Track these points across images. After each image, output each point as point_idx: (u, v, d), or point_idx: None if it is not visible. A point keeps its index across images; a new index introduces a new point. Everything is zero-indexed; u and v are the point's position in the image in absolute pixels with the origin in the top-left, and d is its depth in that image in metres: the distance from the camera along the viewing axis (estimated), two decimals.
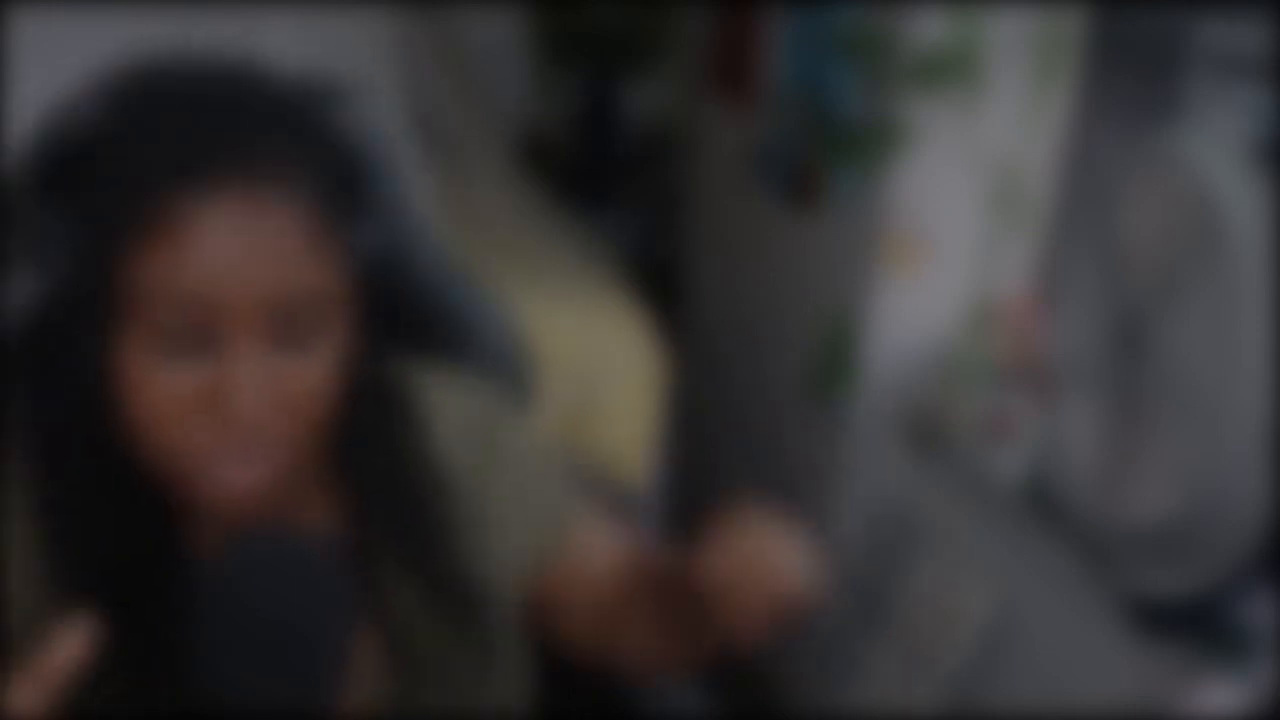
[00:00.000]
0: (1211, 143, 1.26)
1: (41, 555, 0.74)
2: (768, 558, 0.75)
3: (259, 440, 0.69)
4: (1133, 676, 1.28)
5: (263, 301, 0.67)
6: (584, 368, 1.74)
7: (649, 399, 1.80)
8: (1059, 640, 1.41)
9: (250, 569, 0.67)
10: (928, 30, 1.64)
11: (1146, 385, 1.27)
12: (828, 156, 1.88)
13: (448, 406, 0.86)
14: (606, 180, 2.83)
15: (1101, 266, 1.35)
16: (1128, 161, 1.32)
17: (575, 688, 0.96)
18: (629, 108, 2.82)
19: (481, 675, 0.85)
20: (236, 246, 0.66)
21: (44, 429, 0.73)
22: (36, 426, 0.73)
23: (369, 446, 0.81)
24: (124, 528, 0.73)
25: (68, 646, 0.63)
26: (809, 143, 1.94)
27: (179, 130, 0.67)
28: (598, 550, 0.90)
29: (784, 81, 2.03)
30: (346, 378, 0.74)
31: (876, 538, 1.79)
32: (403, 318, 0.96)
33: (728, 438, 2.31)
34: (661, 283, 2.30)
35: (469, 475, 0.85)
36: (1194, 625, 1.22)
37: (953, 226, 1.74)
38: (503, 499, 0.86)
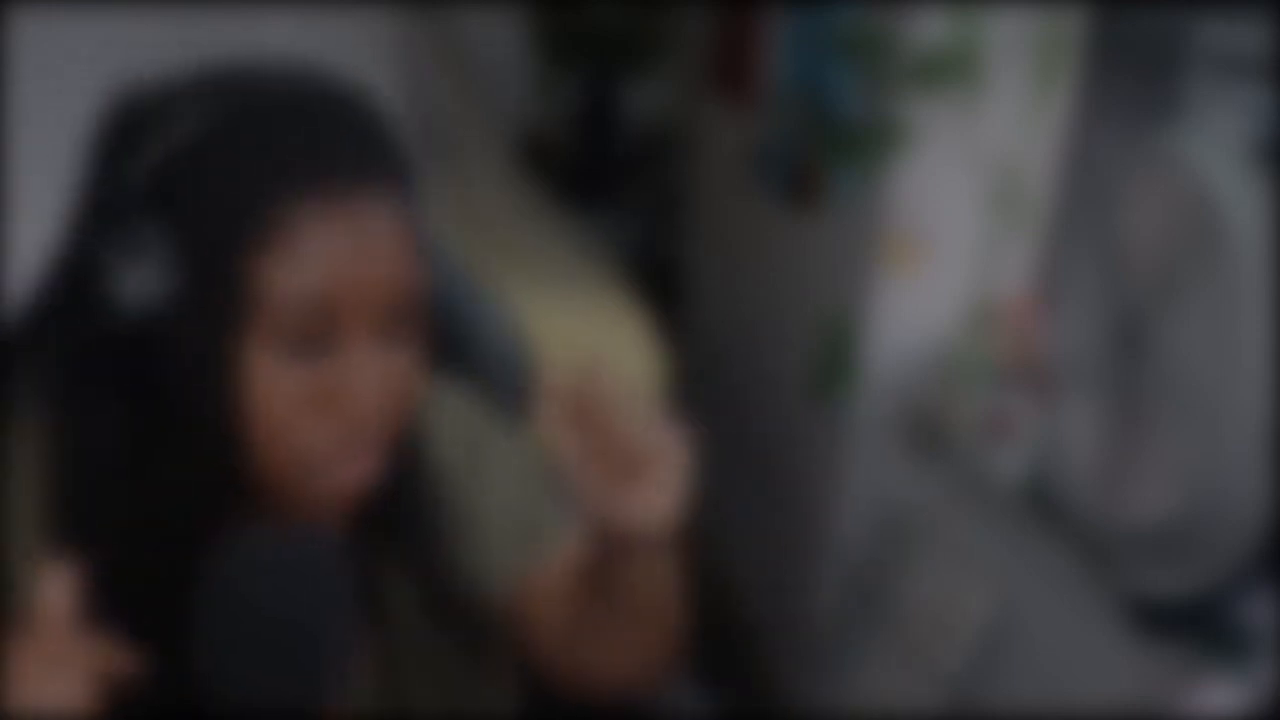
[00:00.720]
0: (1211, 143, 1.26)
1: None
2: (613, 425, 0.68)
3: (368, 433, 0.72)
4: (1133, 676, 1.28)
5: (375, 301, 0.70)
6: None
7: (649, 398, 1.79)
8: (1059, 640, 1.41)
9: (252, 567, 0.67)
10: (928, 30, 1.64)
11: (1146, 385, 1.27)
12: (828, 156, 1.88)
13: (443, 416, 0.87)
14: (606, 180, 2.83)
15: (1101, 266, 1.35)
16: (1128, 161, 1.32)
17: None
18: (629, 108, 2.82)
19: (475, 677, 0.85)
20: (351, 250, 0.69)
21: (144, 426, 0.73)
22: (135, 423, 0.73)
23: None
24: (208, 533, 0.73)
25: (58, 592, 0.64)
26: (809, 143, 1.94)
27: (287, 140, 0.69)
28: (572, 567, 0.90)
29: (784, 81, 2.03)
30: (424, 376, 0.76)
31: (876, 538, 1.79)
32: None
33: (728, 438, 2.31)
34: (661, 283, 2.30)
35: (461, 483, 0.85)
36: (1194, 625, 1.22)
37: (953, 226, 1.74)
38: (489, 510, 0.86)
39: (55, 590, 0.65)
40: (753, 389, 2.21)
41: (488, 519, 0.86)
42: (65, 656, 0.64)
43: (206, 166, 0.69)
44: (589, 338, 1.75)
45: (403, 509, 0.82)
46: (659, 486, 0.69)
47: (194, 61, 0.74)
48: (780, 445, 2.09)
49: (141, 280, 0.69)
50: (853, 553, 1.85)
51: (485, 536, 0.85)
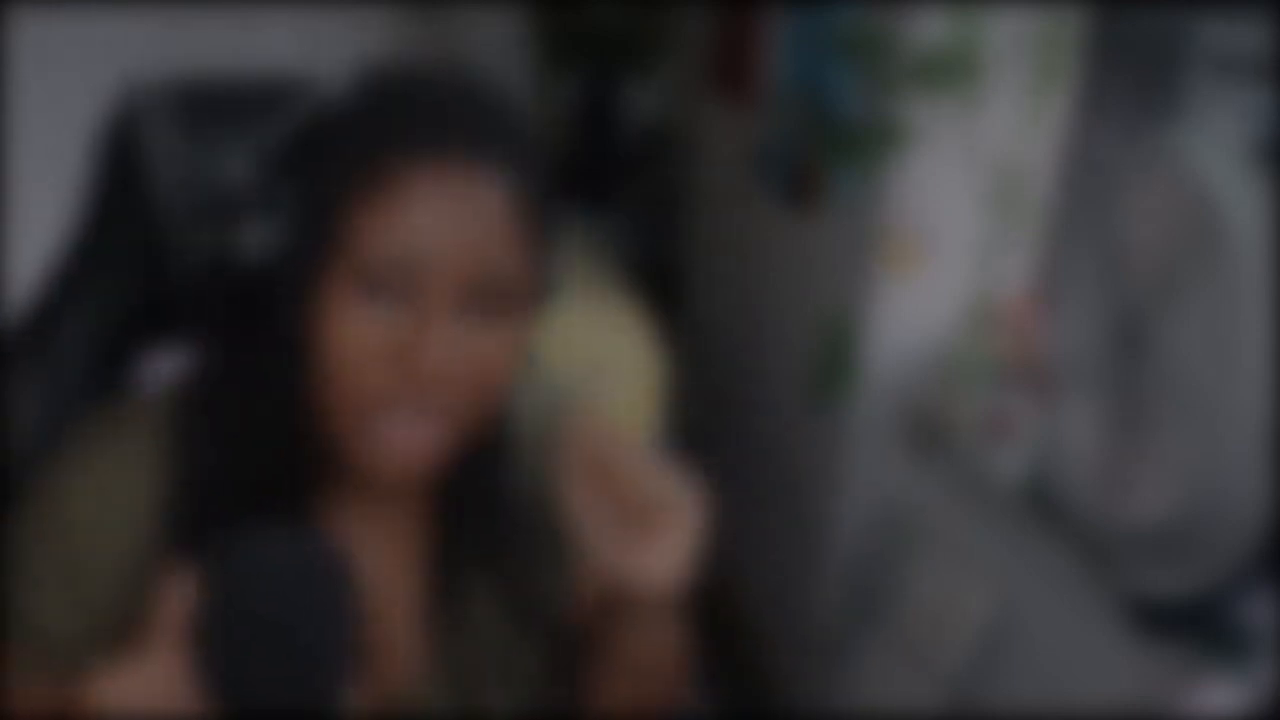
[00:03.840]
0: (1211, 143, 1.26)
1: (163, 507, 0.76)
2: (629, 481, 0.70)
3: (436, 397, 0.73)
4: (1133, 676, 1.28)
5: (463, 269, 0.72)
6: (584, 368, 1.74)
7: (649, 399, 1.80)
8: (1059, 640, 1.41)
9: (256, 571, 0.67)
10: (928, 30, 1.64)
11: (1146, 385, 1.27)
12: (828, 156, 1.88)
13: (535, 430, 0.88)
14: (606, 180, 2.83)
15: (1101, 266, 1.35)
16: (1128, 161, 1.32)
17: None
18: (629, 108, 2.82)
19: (541, 683, 0.85)
20: (447, 212, 0.71)
21: (237, 363, 0.78)
22: (230, 360, 0.78)
23: (480, 469, 0.83)
24: (266, 484, 0.76)
25: (179, 600, 0.66)
26: (809, 143, 1.94)
27: (407, 108, 0.74)
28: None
29: (784, 81, 2.03)
30: (515, 375, 0.78)
31: (876, 538, 1.79)
32: None
33: (728, 438, 2.32)
34: (661, 283, 2.30)
35: (544, 497, 0.86)
36: (1194, 625, 1.22)
37: (953, 226, 1.74)
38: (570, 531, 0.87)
39: (177, 599, 0.66)
40: (753, 389, 2.21)
41: (571, 551, 0.85)
42: (171, 670, 0.66)
43: (334, 129, 0.74)
44: (589, 339, 1.75)
45: (493, 516, 0.84)
46: (670, 545, 0.70)
47: (201, 61, 0.77)
48: (780, 445, 2.09)
49: (274, 230, 0.74)
50: (853, 553, 1.85)
51: (567, 564, 0.86)
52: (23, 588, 0.75)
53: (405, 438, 0.74)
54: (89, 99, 0.76)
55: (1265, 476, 1.12)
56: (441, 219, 0.71)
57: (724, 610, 2.26)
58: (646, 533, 0.70)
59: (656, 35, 2.78)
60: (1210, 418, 1.17)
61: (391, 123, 0.73)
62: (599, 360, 1.76)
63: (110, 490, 0.76)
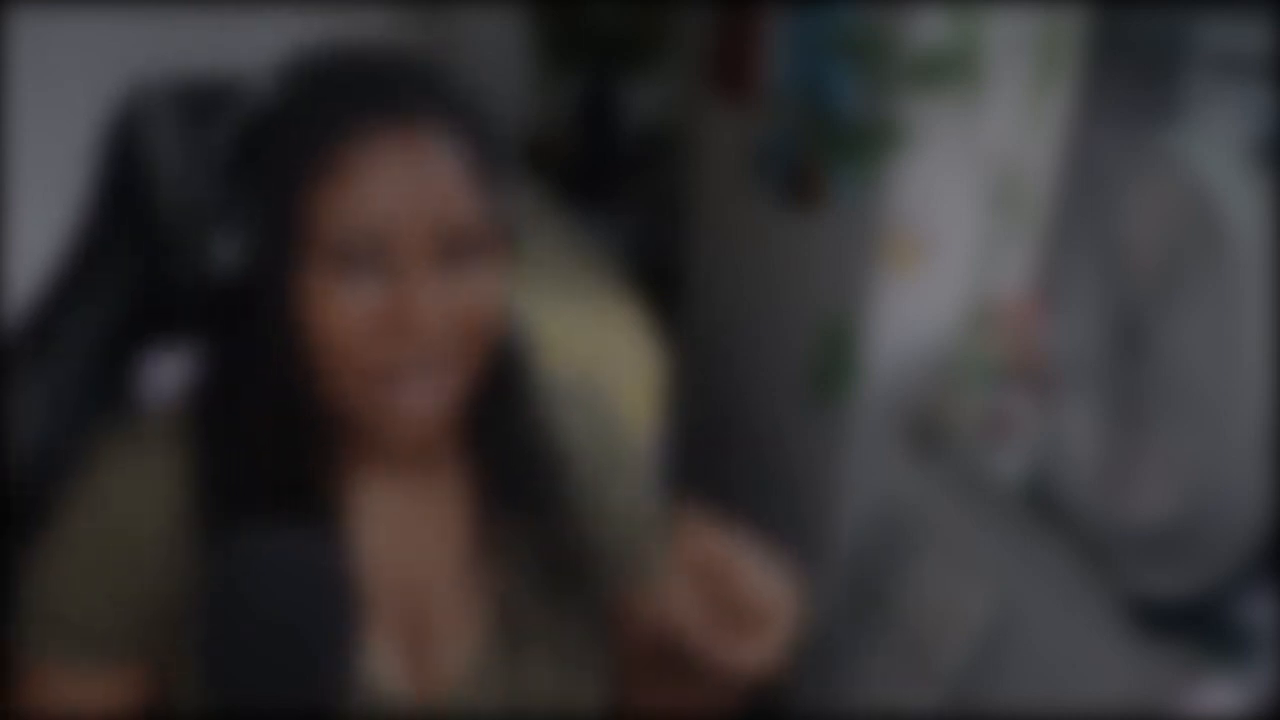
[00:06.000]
0: (1211, 143, 1.26)
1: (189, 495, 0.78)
2: (733, 582, 0.75)
3: (435, 353, 0.76)
4: (1133, 676, 1.28)
5: (427, 225, 0.74)
6: (584, 368, 1.73)
7: (649, 399, 1.80)
8: (1059, 640, 1.41)
9: (254, 568, 0.67)
10: (928, 30, 1.64)
11: (1146, 385, 1.27)
12: (828, 156, 1.88)
13: (576, 404, 0.92)
14: (606, 180, 2.83)
15: (1101, 266, 1.35)
16: (1128, 161, 1.32)
17: None
18: (629, 108, 2.82)
19: (580, 655, 0.87)
20: (399, 180, 0.74)
21: (236, 365, 0.79)
22: (229, 364, 0.80)
23: (503, 417, 0.86)
24: (286, 463, 0.78)
25: None
26: (809, 143, 1.94)
27: (347, 89, 0.76)
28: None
29: (784, 81, 2.03)
30: (501, 316, 0.80)
31: (876, 538, 1.79)
32: None
33: (728, 438, 2.31)
34: (661, 283, 2.29)
35: (588, 471, 0.89)
36: (1194, 625, 1.22)
37: (953, 226, 1.74)
38: (613, 506, 0.90)
39: None
40: (753, 389, 2.21)
41: (612, 518, 0.89)
42: None
43: (275, 123, 0.76)
44: (589, 338, 1.75)
45: (532, 478, 0.86)
46: (766, 643, 0.76)
47: (201, 61, 0.77)
48: (780, 445, 2.09)
49: (242, 236, 0.76)
50: (853, 553, 1.85)
51: (609, 534, 0.89)
52: (63, 592, 0.77)
53: (416, 398, 0.76)
54: (90, 100, 0.76)
55: (1265, 476, 1.12)
56: (396, 185, 0.74)
57: None
58: (746, 631, 0.75)
59: (656, 35, 2.78)
60: (1210, 418, 1.17)
61: (328, 105, 0.75)
62: (599, 360, 1.76)
63: (145, 495, 0.78)
